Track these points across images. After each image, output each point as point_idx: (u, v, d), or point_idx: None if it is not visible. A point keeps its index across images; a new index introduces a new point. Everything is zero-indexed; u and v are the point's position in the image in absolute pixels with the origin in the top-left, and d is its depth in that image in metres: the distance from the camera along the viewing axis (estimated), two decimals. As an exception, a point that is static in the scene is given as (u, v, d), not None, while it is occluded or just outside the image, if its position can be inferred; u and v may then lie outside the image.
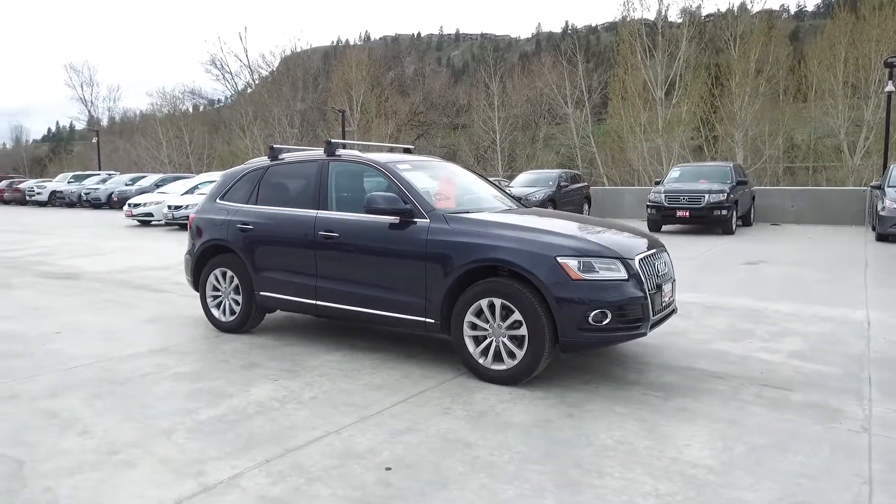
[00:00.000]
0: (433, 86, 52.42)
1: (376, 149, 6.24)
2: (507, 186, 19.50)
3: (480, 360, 4.28)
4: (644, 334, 4.21)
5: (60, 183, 30.86)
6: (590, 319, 3.97)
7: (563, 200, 18.45)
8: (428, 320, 4.49)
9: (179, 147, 50.64)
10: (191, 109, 59.79)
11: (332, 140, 5.29)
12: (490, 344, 4.25)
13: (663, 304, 4.38)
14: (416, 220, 4.56)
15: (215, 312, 5.71)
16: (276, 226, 5.28)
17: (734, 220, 14.54)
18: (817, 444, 3.33)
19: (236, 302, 5.54)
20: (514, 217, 4.76)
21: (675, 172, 16.39)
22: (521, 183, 19.30)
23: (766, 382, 4.31)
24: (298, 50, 52.68)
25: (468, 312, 4.28)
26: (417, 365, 4.67)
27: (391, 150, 6.19)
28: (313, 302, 5.06)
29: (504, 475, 2.94)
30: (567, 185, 18.83)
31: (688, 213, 14.44)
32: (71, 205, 29.18)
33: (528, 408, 3.83)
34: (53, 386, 4.17)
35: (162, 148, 50.69)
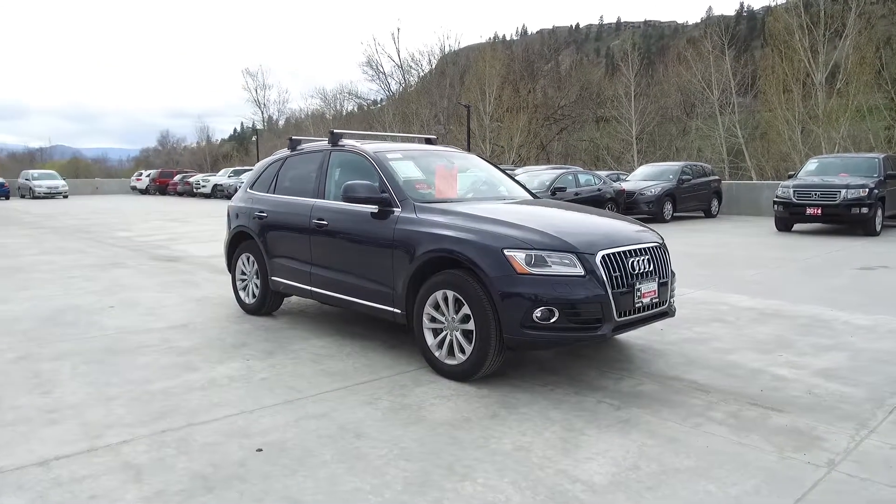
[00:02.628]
0: (589, 78, 50.77)
1: (395, 139, 6.23)
2: (624, 181, 18.56)
3: (436, 354, 4.16)
4: (604, 337, 3.83)
5: (221, 177, 34.36)
6: (535, 317, 3.70)
7: (683, 196, 17.20)
8: (395, 310, 4.45)
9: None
10: (356, 110, 63.30)
11: (336, 130, 5.39)
12: (445, 337, 4.12)
13: (637, 306, 3.95)
14: (393, 209, 4.53)
15: (241, 295, 6.09)
16: (283, 213, 5.51)
17: (878, 219, 12.64)
18: (751, 474, 2.84)
19: (257, 286, 5.86)
20: (495, 208, 4.55)
21: (811, 165, 14.57)
22: (638, 177, 18.24)
23: (757, 401, 3.74)
24: (455, 48, 53.78)
25: (427, 304, 4.17)
26: (391, 355, 4.64)
27: (406, 140, 6.17)
28: (309, 288, 5.22)
29: (363, 468, 2.85)
30: (689, 179, 17.47)
31: (819, 211, 12.78)
32: (228, 196, 32.43)
33: (458, 405, 3.66)
34: (63, 352, 4.70)
35: (319, 146, 54.27)
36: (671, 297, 4.39)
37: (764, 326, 5.47)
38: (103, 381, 4.06)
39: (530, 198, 5.35)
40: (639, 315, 4.00)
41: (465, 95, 37.56)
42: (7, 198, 33.78)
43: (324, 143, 5.50)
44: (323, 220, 5.02)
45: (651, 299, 4.07)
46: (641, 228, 4.43)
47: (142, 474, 2.78)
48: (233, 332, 5.31)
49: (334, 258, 4.96)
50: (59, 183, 35.24)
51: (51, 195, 34.20)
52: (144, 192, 41.58)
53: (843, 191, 12.54)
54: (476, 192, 5.35)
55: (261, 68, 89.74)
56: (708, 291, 7.00)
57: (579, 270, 3.77)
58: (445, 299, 4.06)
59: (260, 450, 3.03)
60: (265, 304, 5.83)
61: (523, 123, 35.81)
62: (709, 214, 18.21)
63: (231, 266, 6.24)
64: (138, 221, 17.80)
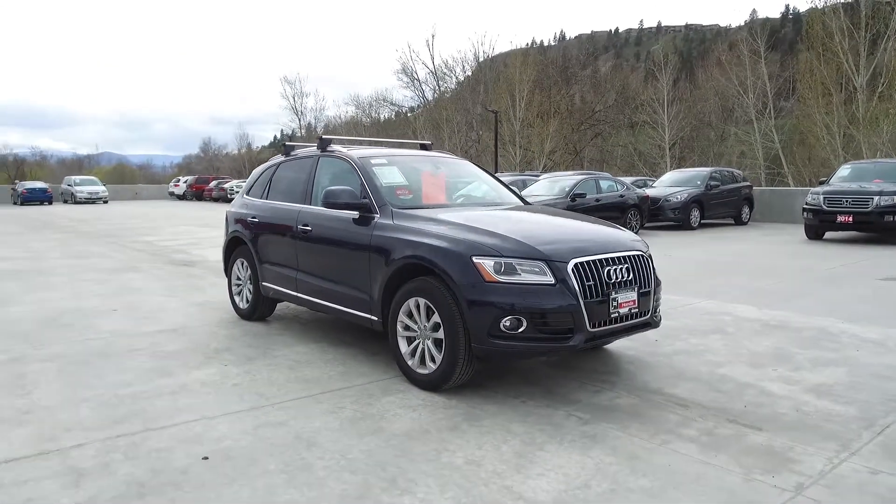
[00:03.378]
0: (627, 82, 50.10)
1: (392, 145, 6.17)
2: (650, 187, 18.21)
3: (409, 362, 4.09)
4: (574, 348, 3.71)
5: (255, 183, 34.93)
6: (502, 326, 3.60)
7: (711, 202, 16.77)
8: (373, 318, 4.40)
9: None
10: (393, 117, 63.58)
11: (325, 136, 5.38)
12: (418, 346, 4.04)
13: (613, 316, 3.81)
14: (372, 215, 4.49)
15: (236, 300, 6.12)
16: (272, 219, 5.52)
17: (913, 227, 12.08)
18: (709, 496, 2.69)
19: (251, 291, 5.89)
20: (475, 215, 4.45)
21: (844, 170, 14.04)
22: (665, 183, 17.88)
23: (737, 418, 3.56)
24: (490, 54, 53.59)
25: (401, 312, 4.11)
26: (369, 363, 4.59)
27: (401, 145, 6.12)
28: (296, 294, 5.21)
29: (304, 480, 2.79)
30: (718, 186, 17.03)
31: (850, 219, 12.29)
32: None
33: (422, 415, 3.58)
34: (54, 354, 4.78)
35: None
36: (655, 307, 4.23)
37: (765, 339, 5.25)
38: (82, 383, 4.10)
39: (521, 204, 5.24)
40: (615, 326, 3.86)
41: (496, 101, 37.44)
42: (50, 203, 35.00)
43: (314, 149, 5.50)
44: (308, 225, 5.00)
45: (630, 309, 3.92)
46: (625, 237, 4.28)
47: (82, 479, 2.78)
48: (220, 337, 5.33)
49: (318, 264, 4.94)
50: (100, 188, 36.37)
51: (91, 200, 35.31)
52: (181, 197, 42.62)
53: (876, 198, 12.05)
54: (466, 198, 5.27)
55: (298, 76, 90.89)
56: (715, 301, 6.77)
57: (549, 279, 3.65)
58: (418, 307, 4.00)
59: (206, 458, 3.00)
60: (257, 310, 5.84)
61: (554, 129, 35.47)
62: (739, 222, 17.72)
63: (227, 271, 6.29)
64: (166, 226, 18.20)
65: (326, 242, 4.84)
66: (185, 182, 43.56)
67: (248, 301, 5.94)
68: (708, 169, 18.36)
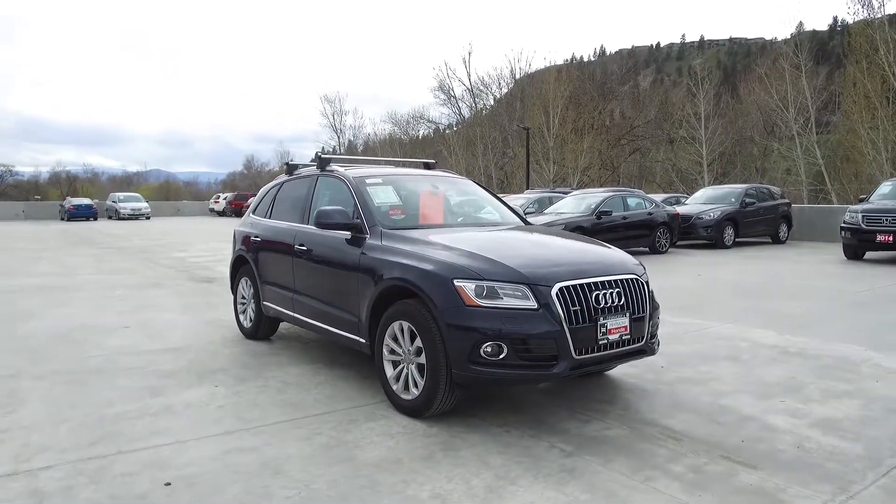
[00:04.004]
0: (669, 97, 49.39)
1: (396, 164, 6.12)
2: (683, 203, 17.79)
3: (394, 387, 3.99)
4: (559, 376, 3.56)
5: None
6: (483, 352, 3.48)
7: (746, 220, 16.26)
8: (361, 340, 4.33)
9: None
10: (431, 133, 63.91)
11: (324, 155, 5.37)
12: (402, 370, 3.95)
13: (601, 343, 3.65)
14: (363, 235, 4.44)
15: (241, 318, 6.14)
16: (272, 239, 5.53)
17: (959, 247, 11.46)
18: (681, 541, 2.51)
19: (254, 310, 5.89)
20: (465, 236, 4.36)
21: (885, 187, 13.44)
22: (699, 200, 17.43)
23: (731, 454, 3.36)
24: (527, 71, 53.60)
25: (386, 335, 4.03)
26: (359, 387, 4.51)
27: (403, 164, 6.06)
28: (292, 314, 5.18)
29: (259, 510, 2.72)
30: (753, 203, 16.51)
31: (891, 238, 11.73)
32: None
33: (399, 444, 3.48)
34: (51, 370, 4.85)
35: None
36: (652, 333, 4.05)
37: (779, 367, 4.98)
38: (68, 402, 4.13)
39: (521, 224, 5.13)
40: (604, 353, 3.69)
41: (530, 117, 37.33)
42: (95, 218, 36.22)
43: (314, 169, 5.50)
44: (304, 245, 4.98)
45: (621, 336, 3.75)
46: (619, 260, 4.11)
47: (42, 502, 2.76)
48: (220, 357, 5.33)
49: (312, 285, 4.91)
50: (143, 205, 37.49)
51: (134, 216, 36.41)
52: (221, 213, 43.58)
53: (919, 216, 11.47)
54: (464, 217, 5.18)
55: (338, 95, 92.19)
56: (735, 325, 6.49)
57: (532, 303, 3.52)
58: (402, 330, 3.91)
59: (168, 483, 2.96)
60: (260, 329, 5.84)
61: (588, 145, 35.11)
62: (777, 240, 17.13)
63: (234, 289, 6.32)
64: (199, 242, 18.57)
65: (320, 263, 4.81)
66: (225, 199, 44.57)
67: (251, 320, 5.94)
68: (743, 186, 17.86)
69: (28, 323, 6.68)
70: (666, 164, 40.29)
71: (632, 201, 14.94)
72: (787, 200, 18.36)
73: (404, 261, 3.94)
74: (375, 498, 2.85)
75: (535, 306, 3.52)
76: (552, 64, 52.46)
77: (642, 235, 14.52)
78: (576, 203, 14.91)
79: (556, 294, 3.55)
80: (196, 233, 23.69)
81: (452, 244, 3.99)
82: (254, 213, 6.20)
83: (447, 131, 58.33)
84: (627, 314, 3.80)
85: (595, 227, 13.51)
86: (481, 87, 55.15)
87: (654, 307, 4.13)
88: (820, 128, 30.73)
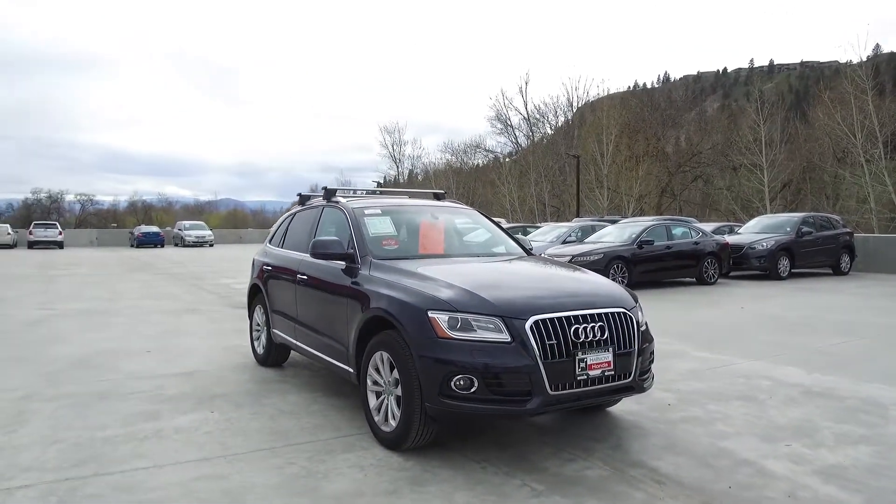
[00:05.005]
0: (735, 123, 48.08)
1: (409, 195, 6.11)
2: (735, 233, 17.15)
3: (376, 418, 3.96)
4: (533, 412, 3.44)
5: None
6: (454, 385, 3.42)
7: (803, 250, 15.52)
8: (349, 369, 4.33)
9: (461, 198, 55.32)
10: (490, 163, 64.12)
11: (329, 187, 5.47)
12: (383, 401, 3.92)
13: (579, 379, 3.52)
14: (356, 265, 4.47)
15: (255, 345, 6.26)
16: (280, 268, 5.64)
17: None
18: None
19: (266, 337, 6.00)
20: (452, 268, 4.28)
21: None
22: (752, 229, 16.79)
23: (712, 500, 3.16)
24: (585, 99, 53.26)
25: (370, 365, 4.02)
26: (350, 416, 4.49)
27: (410, 195, 6.07)
28: (295, 342, 5.25)
29: (204, 539, 2.72)
30: (811, 232, 15.75)
31: (958, 270, 10.93)
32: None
33: (367, 476, 3.43)
34: (62, 393, 5.05)
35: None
36: (642, 369, 3.87)
37: (796, 408, 4.67)
38: (67, 424, 4.28)
39: (521, 255, 5.05)
40: (583, 389, 3.56)
41: (583, 145, 37.03)
42: (162, 245, 37.95)
43: (321, 199, 5.60)
44: (305, 275, 5.06)
45: (603, 371, 3.61)
46: (606, 292, 3.97)
47: (4, 523, 2.86)
48: (224, 382, 5.43)
49: (311, 314, 4.96)
50: (206, 233, 39.06)
51: (199, 244, 37.94)
52: (280, 241, 44.79)
53: None
54: (464, 248, 5.14)
55: (397, 125, 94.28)
56: (761, 362, 6.15)
57: (505, 336, 3.44)
58: (382, 361, 3.89)
59: (128, 508, 3.01)
60: (271, 356, 5.93)
61: (644, 172, 34.46)
62: (838, 271, 16.24)
63: (250, 316, 6.46)
64: (248, 270, 19.10)
65: (317, 293, 4.86)
66: (284, 227, 45.83)
67: (263, 347, 6.05)
68: (800, 214, 17.09)
69: (57, 347, 7.00)
70: (728, 193, 39.01)
71: (677, 230, 14.51)
72: (848, 230, 17.44)
73: (386, 291, 3.94)
74: (324, 532, 2.81)
75: (509, 339, 3.44)
76: (609, 92, 52.10)
77: (688, 266, 14.05)
78: (618, 232, 14.60)
79: (531, 327, 3.46)
80: (251, 260, 24.42)
81: (434, 275, 3.96)
82: (269, 242, 6.35)
83: (506, 160, 58.51)
84: (611, 349, 3.66)
85: (635, 257, 13.19)
86: (538, 116, 55.19)
87: (646, 341, 3.96)
88: (886, 154, 29.13)
